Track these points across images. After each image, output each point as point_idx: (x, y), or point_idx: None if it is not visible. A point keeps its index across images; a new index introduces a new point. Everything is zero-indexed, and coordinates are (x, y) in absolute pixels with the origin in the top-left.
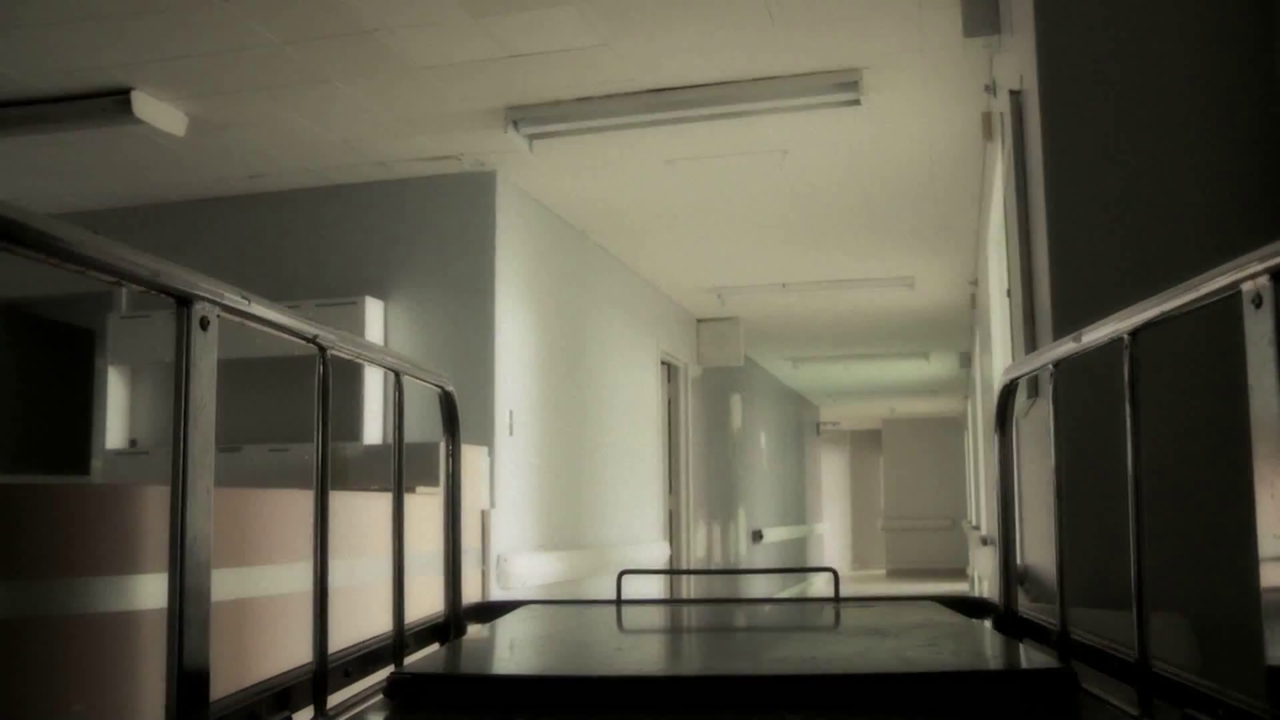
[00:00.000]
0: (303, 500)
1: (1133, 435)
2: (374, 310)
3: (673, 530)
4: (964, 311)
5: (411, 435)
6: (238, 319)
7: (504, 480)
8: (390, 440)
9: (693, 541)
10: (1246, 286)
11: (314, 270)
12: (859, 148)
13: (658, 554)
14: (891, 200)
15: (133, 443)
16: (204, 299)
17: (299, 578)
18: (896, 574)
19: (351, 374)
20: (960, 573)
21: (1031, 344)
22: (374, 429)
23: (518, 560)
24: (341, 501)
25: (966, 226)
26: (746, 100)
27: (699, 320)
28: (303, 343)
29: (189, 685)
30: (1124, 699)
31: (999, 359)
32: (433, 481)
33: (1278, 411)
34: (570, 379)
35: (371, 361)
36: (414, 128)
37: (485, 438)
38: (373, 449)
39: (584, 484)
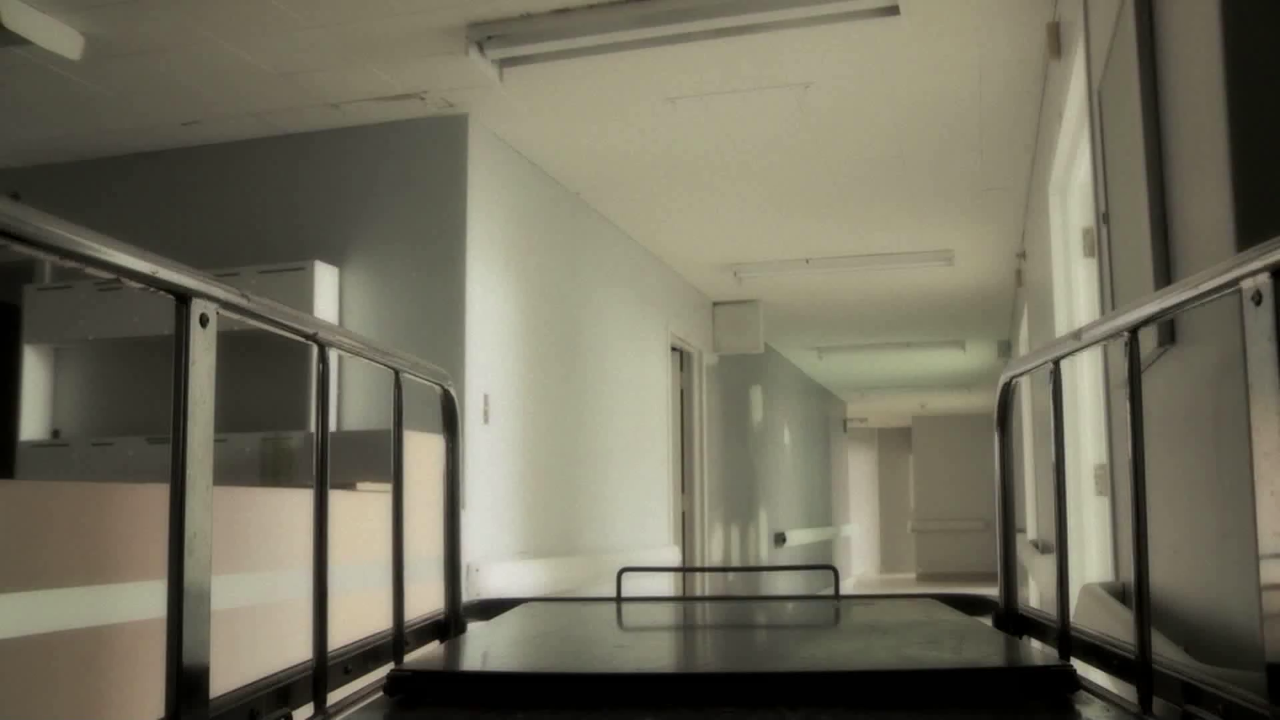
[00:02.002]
0: (239, 499)
1: (1133, 432)
2: (326, 277)
3: (685, 533)
4: (1006, 291)
5: (358, 421)
6: (236, 316)
7: (477, 476)
8: (345, 428)
9: (708, 545)
10: (1246, 284)
11: (257, 233)
12: (893, 79)
13: (666, 559)
14: (931, 151)
15: (55, 434)
16: (203, 296)
17: (244, 590)
18: (927, 578)
19: (300, 352)
20: (994, 577)
21: (1165, 273)
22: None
23: (493, 570)
24: (289, 500)
25: (1016, 184)
26: (760, 8)
27: (714, 303)
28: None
29: (188, 682)
30: (1124, 696)
31: (1061, 321)
32: (381, 476)
33: (1277, 409)
34: (561, 362)
35: (370, 359)
36: (362, 54)
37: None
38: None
39: (578, 481)
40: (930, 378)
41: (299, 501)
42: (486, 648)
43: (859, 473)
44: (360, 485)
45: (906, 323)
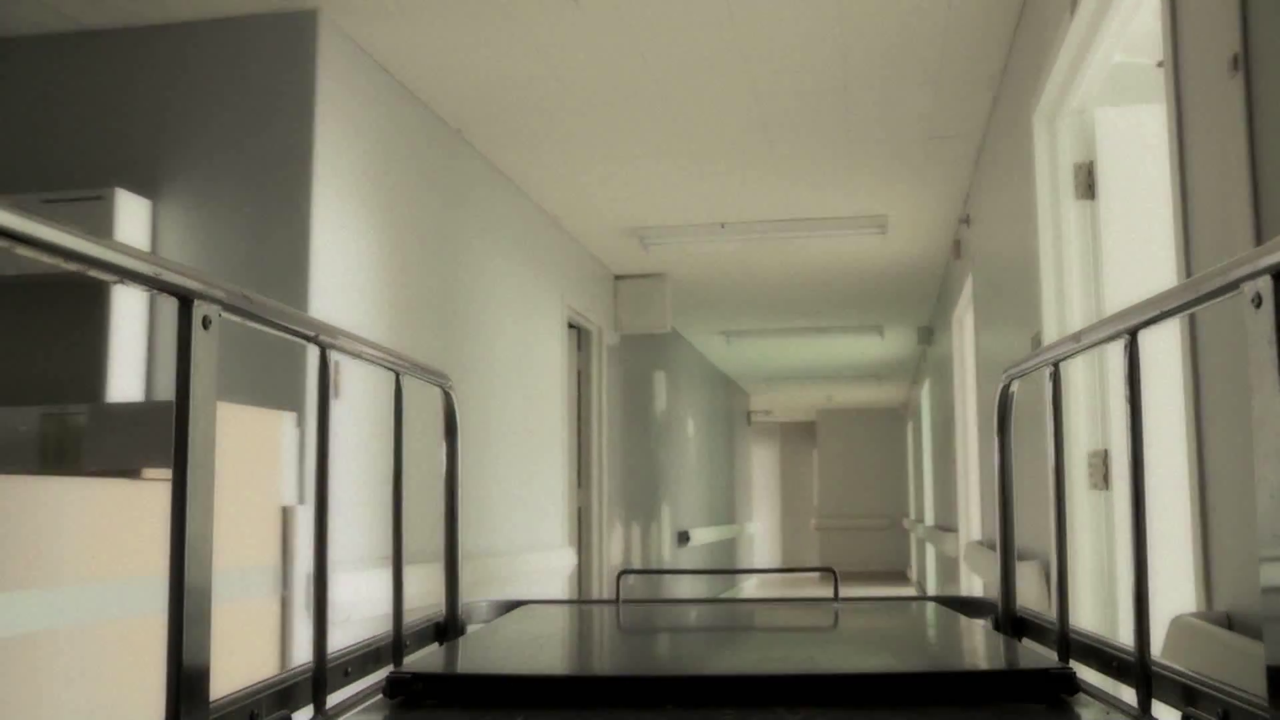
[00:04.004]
0: (12, 490)
1: (1133, 433)
2: (132, 210)
3: (582, 531)
4: (938, 267)
5: (165, 389)
6: (239, 318)
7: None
8: (152, 397)
9: (607, 545)
10: (1246, 286)
11: (44, 152)
12: None
13: (559, 563)
14: (879, 82)
15: None
16: (206, 298)
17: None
18: (831, 576)
19: (82, 302)
20: (900, 575)
21: None
22: (127, 382)
23: (343, 581)
24: (76, 493)
25: (971, 130)
26: None
27: (617, 277)
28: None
29: (189, 684)
30: (1124, 698)
31: (1048, 271)
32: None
33: (1277, 411)
34: (435, 329)
35: (371, 360)
36: None
37: (292, 399)
38: (117, 411)
39: (477, 465)
40: (843, 367)
41: (89, 494)
42: (486, 650)
43: (761, 468)
44: (148, 472)
45: (825, 304)
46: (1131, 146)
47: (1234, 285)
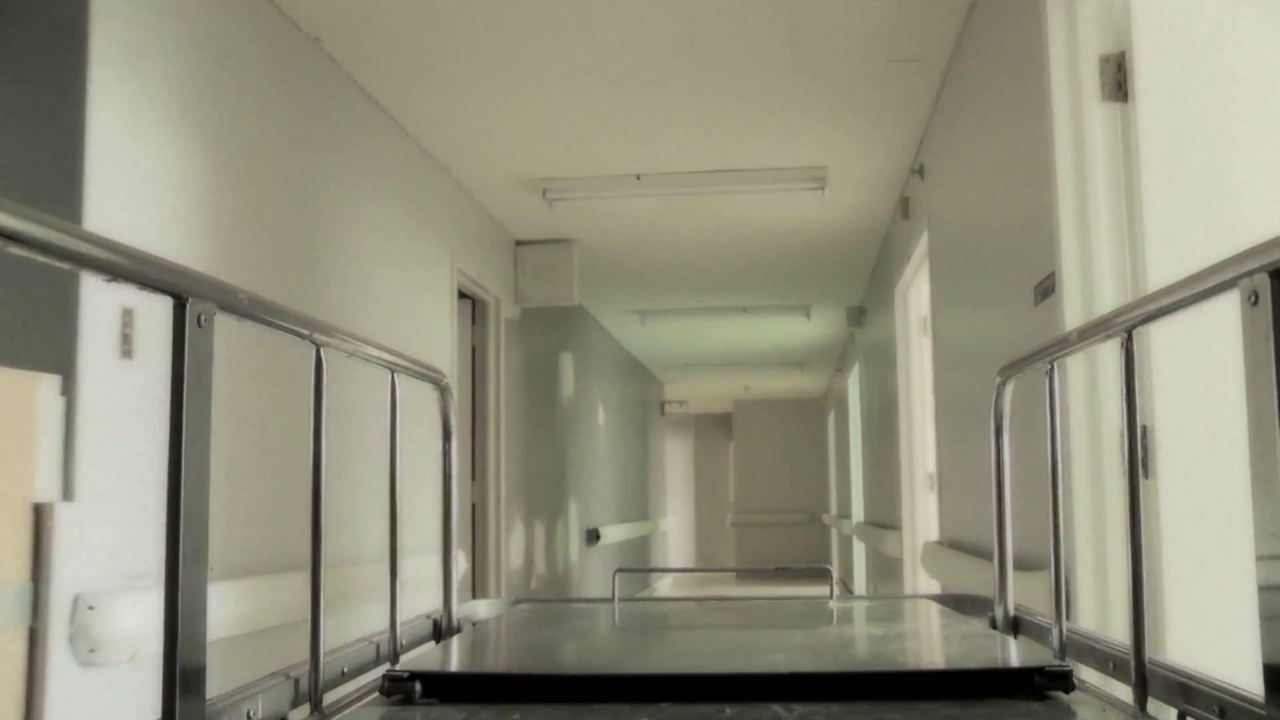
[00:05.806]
0: None
1: (1129, 431)
2: None
3: (477, 532)
4: (879, 235)
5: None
6: (234, 316)
7: (100, 447)
8: None
9: (506, 546)
10: (1243, 284)
11: None
12: None
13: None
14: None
15: None
16: (200, 296)
17: None
18: (749, 576)
19: None
20: (821, 573)
21: None
22: None
23: (122, 605)
24: None
25: (935, 53)
26: None
27: (518, 242)
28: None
29: (185, 683)
30: (1121, 696)
31: (1065, 187)
32: None
33: (1275, 410)
34: (286, 278)
35: (366, 358)
36: None
37: (59, 359)
38: None
39: (304, 459)
40: (765, 353)
41: None
42: (482, 648)
43: (675, 462)
44: None
45: (750, 280)
46: (1178, 32)
47: (1230, 283)
